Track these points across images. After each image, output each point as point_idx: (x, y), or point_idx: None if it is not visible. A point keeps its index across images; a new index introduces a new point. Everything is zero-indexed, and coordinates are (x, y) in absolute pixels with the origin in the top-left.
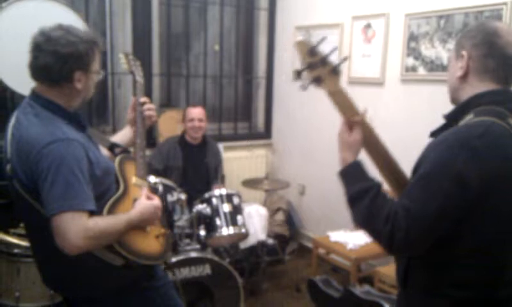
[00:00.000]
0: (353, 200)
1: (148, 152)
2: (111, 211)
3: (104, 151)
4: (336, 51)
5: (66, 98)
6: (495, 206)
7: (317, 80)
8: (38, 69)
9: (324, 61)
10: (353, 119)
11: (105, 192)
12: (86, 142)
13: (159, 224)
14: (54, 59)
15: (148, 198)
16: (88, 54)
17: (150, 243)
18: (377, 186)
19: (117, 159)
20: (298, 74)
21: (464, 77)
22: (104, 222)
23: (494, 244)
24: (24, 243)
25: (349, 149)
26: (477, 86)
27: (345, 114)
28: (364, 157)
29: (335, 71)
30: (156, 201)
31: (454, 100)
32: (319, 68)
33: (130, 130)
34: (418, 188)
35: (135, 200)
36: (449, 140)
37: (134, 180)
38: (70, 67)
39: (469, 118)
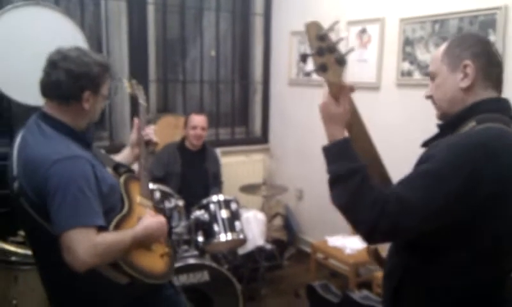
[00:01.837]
0: (338, 179)
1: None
2: (116, 229)
3: (109, 171)
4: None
5: (73, 117)
6: (505, 210)
7: (322, 68)
8: (49, 85)
9: (332, 48)
10: (343, 86)
11: (110, 210)
12: (93, 159)
13: (164, 243)
14: (67, 76)
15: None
16: (100, 77)
17: (155, 262)
18: (366, 169)
19: (122, 178)
20: (304, 58)
21: (469, 88)
22: (111, 237)
23: (499, 249)
24: (22, 251)
25: (337, 122)
26: (480, 95)
27: (332, 90)
28: None
29: (341, 60)
30: (161, 218)
31: (446, 114)
32: (326, 55)
33: (130, 152)
34: (420, 183)
35: (139, 219)
36: (463, 142)
37: (138, 199)
38: (80, 85)
39: (472, 125)
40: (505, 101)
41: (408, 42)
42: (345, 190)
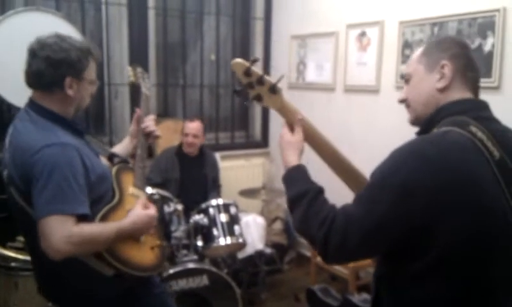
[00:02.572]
0: (292, 204)
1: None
2: (103, 220)
3: (104, 160)
4: (329, 62)
5: (60, 105)
6: (450, 219)
7: (257, 98)
8: (31, 75)
9: (260, 80)
10: (295, 119)
11: (99, 199)
12: (82, 147)
13: (154, 235)
14: (46, 64)
15: (145, 207)
16: (81, 61)
17: (144, 254)
18: (317, 190)
19: (114, 169)
20: (237, 93)
21: (445, 89)
22: (90, 229)
23: (450, 260)
24: (22, 256)
25: (291, 149)
26: (454, 97)
27: (288, 119)
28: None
29: (273, 89)
30: (151, 211)
31: (419, 117)
32: (257, 87)
33: (130, 142)
34: (364, 196)
35: (129, 211)
36: (402, 149)
37: (131, 189)
38: (60, 73)
39: (434, 131)
40: (472, 101)
41: (407, 45)
42: (297, 214)
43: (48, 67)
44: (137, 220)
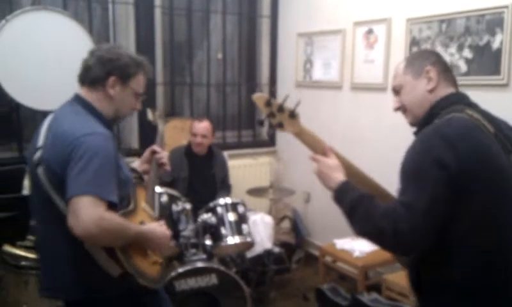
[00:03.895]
0: (352, 209)
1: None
2: None
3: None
4: (336, 59)
5: (100, 103)
6: (478, 188)
7: (279, 126)
8: (82, 70)
9: (280, 108)
10: (315, 141)
11: (120, 199)
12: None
13: (159, 253)
14: (96, 61)
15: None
16: (130, 67)
17: (148, 266)
18: (367, 194)
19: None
20: (261, 123)
21: (434, 89)
22: (120, 220)
23: (490, 225)
24: (32, 255)
25: (334, 170)
26: (442, 94)
27: (316, 149)
28: None
29: (292, 115)
30: (169, 232)
31: (418, 117)
32: (278, 115)
33: (140, 165)
34: (407, 184)
35: (141, 222)
36: (420, 137)
37: (143, 204)
38: (106, 71)
39: (435, 122)
40: (458, 93)
41: (414, 42)
42: (359, 218)
43: (98, 63)
44: (156, 232)
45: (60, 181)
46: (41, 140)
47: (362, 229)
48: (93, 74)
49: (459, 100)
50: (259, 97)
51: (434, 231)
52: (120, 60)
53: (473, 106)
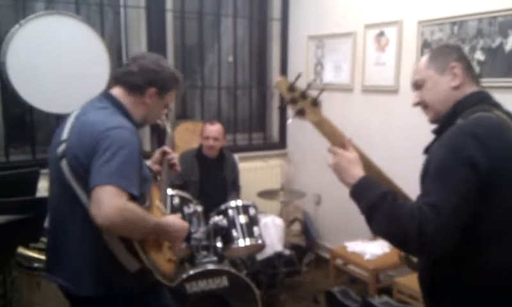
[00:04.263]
0: (371, 210)
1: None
2: None
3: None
4: (347, 62)
5: (132, 106)
6: (505, 187)
7: (300, 113)
8: (122, 72)
9: (303, 94)
10: (335, 133)
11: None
12: None
13: (174, 251)
14: (140, 69)
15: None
16: (169, 82)
17: (164, 262)
18: (392, 191)
19: None
20: (282, 109)
21: (459, 86)
22: (140, 211)
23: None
24: (44, 257)
25: (353, 164)
26: (467, 91)
27: (334, 141)
28: None
29: (314, 102)
30: (186, 224)
31: (439, 114)
32: (300, 102)
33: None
34: (435, 184)
35: None
36: (449, 136)
37: (157, 202)
38: (149, 80)
39: (459, 121)
40: (483, 92)
41: (426, 44)
42: (381, 217)
43: (141, 72)
44: (175, 224)
45: (85, 171)
46: (65, 133)
47: (383, 229)
48: (133, 80)
49: (485, 99)
50: (282, 81)
51: (460, 231)
52: (162, 73)
53: (498, 106)
